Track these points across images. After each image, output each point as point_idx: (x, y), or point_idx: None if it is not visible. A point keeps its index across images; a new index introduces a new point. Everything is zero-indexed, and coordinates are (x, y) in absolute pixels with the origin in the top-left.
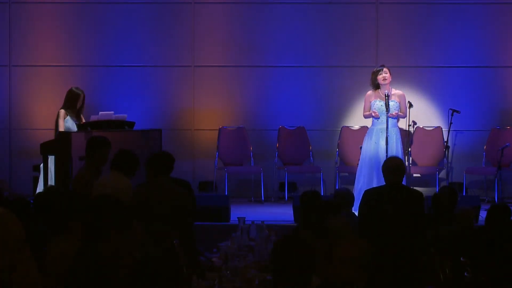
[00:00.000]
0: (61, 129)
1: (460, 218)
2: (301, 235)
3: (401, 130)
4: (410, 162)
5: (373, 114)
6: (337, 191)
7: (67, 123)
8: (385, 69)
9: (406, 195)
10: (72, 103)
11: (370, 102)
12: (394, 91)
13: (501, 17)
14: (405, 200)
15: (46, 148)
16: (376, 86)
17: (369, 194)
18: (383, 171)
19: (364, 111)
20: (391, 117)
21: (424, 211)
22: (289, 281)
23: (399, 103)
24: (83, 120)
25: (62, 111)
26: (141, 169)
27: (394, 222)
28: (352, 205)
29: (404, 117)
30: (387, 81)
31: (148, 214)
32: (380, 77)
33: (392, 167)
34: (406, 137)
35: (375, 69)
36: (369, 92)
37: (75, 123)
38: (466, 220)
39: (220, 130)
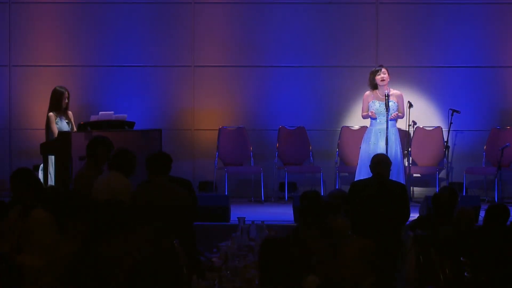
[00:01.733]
0: (55, 133)
1: (460, 218)
2: (301, 235)
3: (400, 130)
4: (410, 162)
5: (370, 114)
6: (329, 193)
7: (58, 125)
8: (383, 70)
9: (390, 187)
10: (58, 103)
11: (368, 102)
12: (392, 91)
13: (501, 17)
14: (389, 192)
15: (46, 148)
16: (374, 86)
17: (355, 186)
18: (371, 166)
19: (362, 112)
20: (391, 119)
21: (408, 203)
22: (276, 281)
23: (397, 103)
24: (71, 116)
25: (52, 115)
26: (142, 168)
27: (380, 213)
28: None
29: (402, 117)
30: (385, 82)
31: (148, 214)
32: (378, 77)
33: (380, 159)
34: (406, 137)
35: (373, 69)
36: (367, 93)
37: (65, 122)
38: (466, 220)
39: (220, 130)
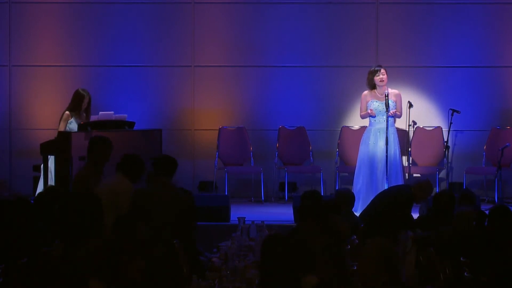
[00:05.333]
0: (61, 130)
1: (459, 219)
2: (301, 235)
3: (399, 130)
4: (410, 162)
5: (369, 111)
6: (338, 191)
7: (71, 125)
8: (382, 70)
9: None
10: (77, 104)
11: (367, 102)
12: (391, 90)
13: (501, 17)
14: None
15: (46, 148)
16: (373, 86)
17: None
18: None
19: (361, 112)
20: (390, 116)
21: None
22: (277, 280)
23: (396, 102)
24: (83, 118)
25: (66, 113)
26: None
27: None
28: (353, 205)
29: (400, 117)
30: (384, 83)
31: (149, 214)
32: (377, 78)
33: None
34: (406, 137)
35: (371, 69)
36: (365, 92)
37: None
38: (466, 221)
39: (220, 130)
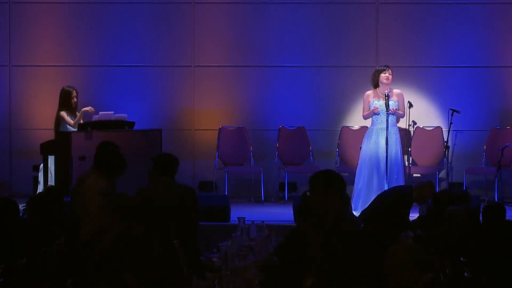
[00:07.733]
0: (75, 127)
1: (449, 218)
2: (301, 235)
3: (400, 129)
4: (410, 162)
5: (373, 108)
6: None
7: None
8: (389, 70)
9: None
10: (67, 101)
11: (369, 102)
12: (393, 90)
13: (501, 17)
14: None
15: (46, 148)
16: (376, 84)
17: None
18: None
19: (363, 112)
20: (390, 113)
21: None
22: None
23: (398, 102)
24: (77, 115)
25: (63, 113)
26: (142, 169)
27: None
28: (350, 205)
29: (402, 116)
30: (388, 81)
31: (151, 214)
32: (383, 75)
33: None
34: (406, 137)
35: (379, 68)
36: (368, 92)
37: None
38: (456, 220)
39: (220, 130)
